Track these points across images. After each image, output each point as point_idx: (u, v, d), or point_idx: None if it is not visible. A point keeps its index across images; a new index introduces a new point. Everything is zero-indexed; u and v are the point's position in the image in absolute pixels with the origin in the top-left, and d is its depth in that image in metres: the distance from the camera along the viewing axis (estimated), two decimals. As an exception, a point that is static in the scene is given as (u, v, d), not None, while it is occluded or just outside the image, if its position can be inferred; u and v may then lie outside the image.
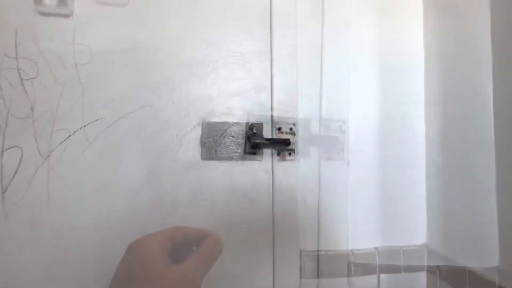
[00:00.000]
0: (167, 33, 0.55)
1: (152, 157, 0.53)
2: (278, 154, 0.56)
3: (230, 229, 0.55)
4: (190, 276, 0.25)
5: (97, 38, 0.53)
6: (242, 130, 0.56)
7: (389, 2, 0.62)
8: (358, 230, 0.59)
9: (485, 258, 0.47)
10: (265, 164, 0.56)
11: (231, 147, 0.55)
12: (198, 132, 0.54)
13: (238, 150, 0.55)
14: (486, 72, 0.46)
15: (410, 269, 0.59)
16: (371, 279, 0.58)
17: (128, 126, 0.53)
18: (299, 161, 0.57)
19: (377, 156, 0.60)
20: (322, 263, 0.56)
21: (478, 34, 0.47)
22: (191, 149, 0.54)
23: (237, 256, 0.55)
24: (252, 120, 0.56)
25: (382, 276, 0.58)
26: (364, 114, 0.60)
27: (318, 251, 0.57)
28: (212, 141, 0.53)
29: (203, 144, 0.54)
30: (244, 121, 0.56)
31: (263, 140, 0.53)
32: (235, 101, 0.56)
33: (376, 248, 0.58)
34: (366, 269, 0.57)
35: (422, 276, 0.59)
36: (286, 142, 0.54)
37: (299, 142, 0.57)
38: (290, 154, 0.57)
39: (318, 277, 0.56)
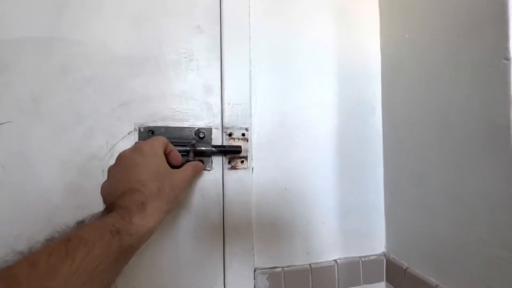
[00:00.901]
0: (96, 23, 0.46)
1: (74, 169, 0.44)
2: (229, 163, 0.51)
3: (175, 248, 0.48)
4: (187, 176, 0.39)
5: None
6: (187, 136, 0.49)
7: (346, 5, 0.60)
8: (318, 242, 0.55)
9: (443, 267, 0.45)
10: (214, 174, 0.50)
11: (174, 156, 0.48)
12: (134, 139, 0.47)
13: (183, 159, 0.48)
14: (444, 76, 0.45)
15: (370, 280, 0.56)
16: (331, 294, 0.54)
17: (43, 131, 0.43)
18: (252, 170, 0.52)
19: (335, 164, 0.57)
20: (278, 281, 0.52)
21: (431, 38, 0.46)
22: (125, 159, 0.46)
23: (185, 277, 0.48)
24: (199, 125, 0.50)
25: (342, 290, 0.55)
26: (320, 120, 0.57)
27: (273, 267, 0.52)
28: (151, 150, 0.45)
29: (139, 153, 0.46)
30: (190, 126, 0.49)
31: (210, 148, 0.47)
32: (180, 103, 0.49)
33: (335, 260, 0.55)
34: (326, 284, 0.54)
35: (382, 286, 0.57)
36: (237, 150, 0.49)
37: (252, 148, 0.52)
38: (242, 162, 0.51)
39: (273, 298, 0.51)
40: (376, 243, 0.58)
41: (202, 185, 0.49)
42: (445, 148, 0.44)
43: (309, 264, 0.54)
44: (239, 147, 0.49)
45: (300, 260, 0.54)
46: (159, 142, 0.38)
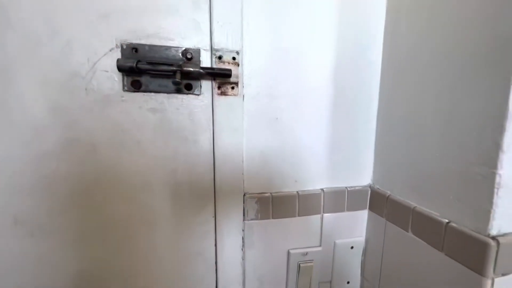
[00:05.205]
0: None
1: (55, 87, 0.42)
2: (219, 88, 0.49)
3: (165, 174, 0.49)
4: None
5: None
6: (174, 57, 0.46)
7: None
8: (306, 172, 0.56)
9: (428, 197, 0.47)
10: (203, 99, 0.49)
11: (160, 77, 0.46)
12: (116, 56, 0.44)
13: (170, 82, 0.46)
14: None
15: (353, 208, 0.60)
16: (316, 218, 0.58)
17: (17, 41, 0.40)
18: (243, 97, 0.51)
19: (329, 95, 0.55)
20: (266, 205, 0.54)
21: None
22: (109, 78, 0.44)
23: (176, 200, 0.50)
24: (187, 45, 0.47)
25: (326, 215, 0.58)
26: (316, 47, 0.53)
27: (262, 193, 0.54)
28: (136, 69, 0.43)
29: (124, 71, 0.44)
30: (177, 46, 0.46)
31: (199, 69, 0.45)
32: (165, 19, 0.45)
33: (322, 189, 0.58)
34: (311, 209, 0.57)
35: (364, 214, 0.61)
36: (227, 74, 0.46)
37: (243, 75, 0.50)
38: (233, 88, 0.49)
39: (260, 218, 0.54)
40: (363, 175, 0.60)
41: (191, 110, 0.48)
42: (445, 71, 0.42)
43: (297, 192, 0.56)
44: (229, 70, 0.46)
45: (288, 187, 0.56)
46: None
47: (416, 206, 0.48)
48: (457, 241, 0.39)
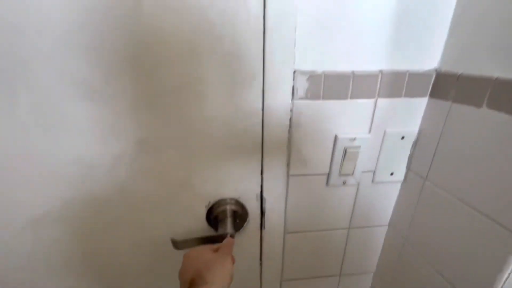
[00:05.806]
0: None
1: None
2: None
3: (212, 41, 0.46)
4: (225, 256, 0.44)
5: None
6: None
7: None
8: (365, 48, 0.50)
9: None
10: None
11: None
12: None
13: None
14: None
15: (412, 94, 0.54)
16: (369, 103, 0.54)
17: None
18: None
19: None
20: (318, 84, 0.51)
21: None
22: None
23: (224, 71, 0.48)
24: None
25: (381, 100, 0.54)
26: None
27: (314, 70, 0.50)
28: None
29: None
30: None
31: None
32: None
33: (380, 70, 0.52)
34: (365, 92, 0.53)
35: (422, 102, 0.55)
36: None
37: None
38: None
39: (309, 98, 0.51)
40: (428, 58, 0.52)
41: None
42: None
43: (352, 71, 0.51)
44: None
45: (342, 65, 0.51)
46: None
47: (498, 76, 0.41)
48: (555, 99, 0.34)
